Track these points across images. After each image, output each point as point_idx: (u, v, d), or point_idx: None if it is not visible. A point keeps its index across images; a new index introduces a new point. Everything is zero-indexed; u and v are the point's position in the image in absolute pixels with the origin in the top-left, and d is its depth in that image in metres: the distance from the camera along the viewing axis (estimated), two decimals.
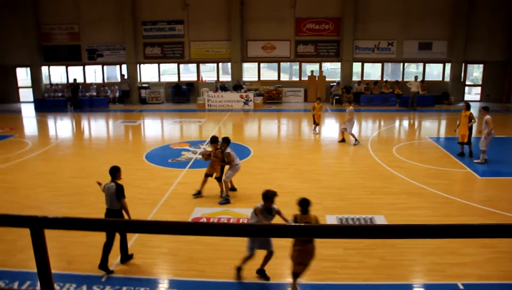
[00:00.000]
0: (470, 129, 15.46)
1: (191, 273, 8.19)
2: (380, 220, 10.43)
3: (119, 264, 8.44)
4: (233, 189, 12.46)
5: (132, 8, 27.00)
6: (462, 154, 15.83)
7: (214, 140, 12.16)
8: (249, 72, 30.69)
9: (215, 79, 28.88)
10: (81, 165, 15.19)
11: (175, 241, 9.03)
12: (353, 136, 17.71)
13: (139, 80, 28.34)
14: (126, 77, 27.59)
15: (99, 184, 8.89)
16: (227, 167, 12.10)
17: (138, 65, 28.23)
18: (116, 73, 29.46)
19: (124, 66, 28.15)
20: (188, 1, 26.63)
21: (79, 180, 13.49)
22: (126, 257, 8.55)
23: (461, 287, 7.82)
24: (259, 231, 2.45)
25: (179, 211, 10.96)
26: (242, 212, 10.86)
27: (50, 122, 23.78)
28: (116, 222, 2.39)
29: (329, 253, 8.71)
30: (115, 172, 8.54)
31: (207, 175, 12.03)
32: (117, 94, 27.80)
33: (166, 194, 12.09)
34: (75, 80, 26.73)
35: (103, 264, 8.18)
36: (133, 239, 9.22)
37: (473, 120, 15.28)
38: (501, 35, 27.26)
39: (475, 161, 15.17)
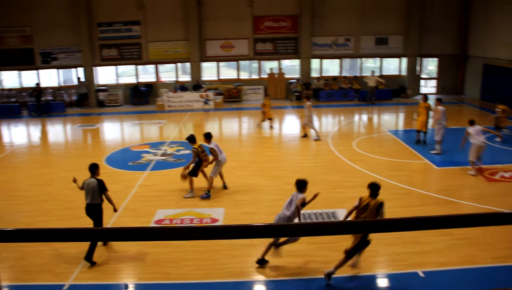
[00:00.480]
0: (427, 119, 16.50)
1: (156, 276, 8.13)
2: (342, 213, 10.59)
3: (83, 271, 8.27)
4: (225, 187, 12.65)
5: (87, 10, 26.41)
6: (419, 142, 16.76)
7: (191, 139, 12.32)
8: (208, 71, 30.55)
9: (174, 79, 28.60)
10: (39, 172, 14.78)
11: (139, 244, 8.92)
12: (315, 130, 17.95)
13: (96, 82, 27.79)
14: (82, 79, 26.97)
15: (75, 181, 9.02)
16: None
17: (95, 68, 27.68)
18: (72, 76, 28.75)
19: (80, 69, 27.54)
20: (144, 1, 26.32)
21: (38, 187, 13.15)
22: (91, 255, 8.52)
23: (422, 274, 8.06)
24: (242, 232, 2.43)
25: (142, 214, 10.84)
26: (205, 212, 10.84)
27: (4, 129, 23.04)
28: (76, 231, 2.34)
29: (293, 249, 8.78)
30: (94, 168, 9.02)
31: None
32: (74, 98, 27.15)
33: (127, 198, 11.92)
34: (38, 84, 25.99)
35: (89, 256, 8.42)
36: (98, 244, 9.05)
37: (431, 111, 16.28)
38: (454, 29, 28.08)
39: (432, 151, 15.63)
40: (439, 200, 11.49)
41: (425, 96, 16.93)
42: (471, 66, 27.86)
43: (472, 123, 13.66)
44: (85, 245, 8.72)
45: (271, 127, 20.02)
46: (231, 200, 11.63)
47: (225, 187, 12.59)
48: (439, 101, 15.97)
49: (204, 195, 11.86)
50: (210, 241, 8.86)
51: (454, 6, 27.73)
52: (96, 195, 8.72)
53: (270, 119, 19.86)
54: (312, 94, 26.22)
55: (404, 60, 28.57)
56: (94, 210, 8.80)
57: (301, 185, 8.76)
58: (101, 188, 8.79)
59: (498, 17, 24.69)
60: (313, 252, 8.73)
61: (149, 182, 13.14)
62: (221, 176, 12.63)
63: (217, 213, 10.73)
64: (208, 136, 12.39)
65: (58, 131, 22.21)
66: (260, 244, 8.97)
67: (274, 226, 2.62)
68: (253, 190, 12.39)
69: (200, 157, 11.96)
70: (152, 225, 10.04)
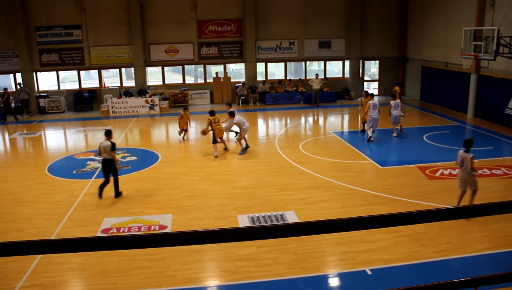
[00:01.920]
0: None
1: (102, 287, 7.90)
2: (290, 215, 10.70)
3: (24, 286, 7.93)
4: (247, 147, 16.61)
5: (23, 12, 25.44)
6: (363, 130, 19.26)
7: (213, 113, 16.44)
8: (154, 76, 30.16)
9: (119, 85, 28.04)
10: None
11: (83, 254, 8.65)
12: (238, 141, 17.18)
13: (36, 88, 26.81)
14: (23, 85, 25.87)
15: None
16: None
17: (34, 73, 26.70)
18: (10, 82, 27.55)
19: (18, 75, 26.49)
20: (85, 4, 25.67)
21: None
22: (118, 193, 12.21)
23: (369, 272, 8.24)
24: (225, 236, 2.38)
25: (87, 223, 10.52)
26: (153, 219, 10.66)
27: None
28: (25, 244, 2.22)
29: (242, 252, 8.79)
30: (109, 133, 12.31)
31: (216, 142, 16.13)
32: (13, 105, 25.99)
33: (72, 207, 11.56)
34: (5, 89, 24.77)
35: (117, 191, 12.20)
36: (37, 258, 8.70)
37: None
38: (393, 32, 29.10)
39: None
40: (384, 199, 11.82)
41: (366, 92, 19.42)
42: (410, 68, 28.93)
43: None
44: (27, 258, 8.41)
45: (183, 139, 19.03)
46: (179, 206, 11.51)
47: (247, 147, 16.63)
48: (366, 94, 19.11)
49: (241, 152, 16.40)
50: (157, 249, 8.72)
51: (392, 10, 28.76)
52: (108, 152, 11.80)
53: (185, 130, 18.99)
54: (258, 97, 26.46)
55: (347, 63, 29.27)
56: (110, 164, 11.85)
57: (469, 143, 10.53)
58: (113, 147, 11.91)
59: (433, 21, 25.77)
60: (263, 255, 8.75)
61: (94, 190, 12.76)
62: (245, 140, 16.60)
63: (165, 220, 10.58)
64: (231, 114, 16.59)
65: None
66: (207, 250, 8.93)
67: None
68: (201, 195, 12.31)
69: (212, 126, 15.53)
70: (99, 234, 9.77)
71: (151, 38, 27.08)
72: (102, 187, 11.96)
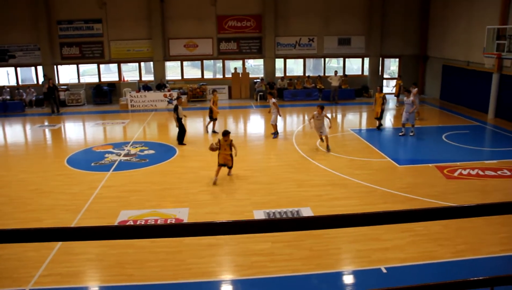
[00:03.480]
0: (383, 108, 19.32)
1: (119, 278, 7.99)
2: (306, 212, 10.68)
3: (43, 275, 8.06)
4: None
5: (46, 7, 25.79)
6: (378, 127, 19.55)
7: (226, 133, 13.21)
8: (172, 70, 30.32)
9: (138, 78, 28.26)
10: None
11: (101, 245, 8.76)
12: (274, 127, 18.35)
13: (57, 81, 27.16)
14: (47, 77, 26.15)
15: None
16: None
17: (55, 66, 27.05)
18: (31, 75, 27.97)
19: (39, 68, 26.86)
20: None
21: None
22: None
23: (384, 271, 8.19)
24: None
25: (105, 215, 10.64)
26: (169, 212, 10.73)
27: None
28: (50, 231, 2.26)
29: (257, 247, 8.81)
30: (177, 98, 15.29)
31: (221, 165, 12.97)
32: (33, 97, 26.40)
33: (90, 199, 11.69)
34: (50, 80, 25.14)
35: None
36: (56, 247, 8.83)
37: (385, 100, 19.40)
38: (414, 30, 28.79)
39: (400, 134, 18.25)
40: (401, 198, 11.73)
41: (380, 88, 20.10)
42: (431, 67, 28.60)
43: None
44: (46, 248, 8.56)
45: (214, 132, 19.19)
46: (196, 200, 11.56)
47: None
48: (407, 92, 18.61)
49: (274, 136, 17.88)
50: (175, 242, 8.80)
51: (413, 8, 28.42)
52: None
53: (215, 119, 19.15)
54: (276, 93, 26.46)
55: (367, 60, 29.05)
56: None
57: None
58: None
59: (455, 19, 25.40)
60: (278, 251, 8.76)
61: (112, 183, 12.92)
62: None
63: (181, 213, 10.65)
64: (272, 94, 18.85)
65: (17, 132, 21.56)
66: (223, 244, 8.98)
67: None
68: (217, 190, 12.35)
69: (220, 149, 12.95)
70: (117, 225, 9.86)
71: (170, 33, 27.23)
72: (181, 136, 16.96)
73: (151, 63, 27.88)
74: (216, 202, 11.51)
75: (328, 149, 15.82)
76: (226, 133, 13.03)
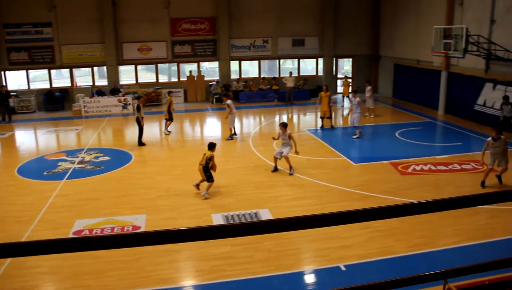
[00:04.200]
0: (330, 106, 19.78)
1: None
2: (265, 213, 10.71)
3: None
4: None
5: None
6: (327, 126, 19.92)
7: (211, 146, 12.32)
8: (126, 75, 29.82)
9: (91, 84, 27.62)
10: None
11: (55, 258, 8.48)
12: (231, 130, 18.52)
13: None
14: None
15: None
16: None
17: (3, 72, 26.09)
18: None
19: None
20: (55, 2, 25.19)
21: None
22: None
23: (343, 268, 8.30)
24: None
25: (59, 225, 10.33)
26: (126, 219, 10.53)
27: None
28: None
29: (216, 251, 8.76)
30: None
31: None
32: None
33: (43, 209, 11.32)
34: (3, 86, 24.03)
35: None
36: (6, 262, 8.50)
37: (331, 99, 19.70)
38: (366, 30, 29.44)
39: (353, 137, 17.92)
40: (358, 195, 11.93)
41: (327, 87, 20.23)
42: (383, 66, 29.28)
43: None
44: None
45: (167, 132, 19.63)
46: (153, 206, 11.40)
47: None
48: (355, 92, 18.77)
49: (230, 138, 17.82)
50: (132, 249, 8.63)
51: (365, 9, 29.07)
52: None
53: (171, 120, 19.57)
54: (232, 95, 26.48)
55: (321, 61, 29.44)
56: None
57: None
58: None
59: (404, 19, 26.11)
60: (237, 254, 8.74)
61: (66, 192, 12.57)
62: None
63: (138, 220, 10.47)
64: (227, 96, 19.09)
65: None
66: (181, 250, 8.88)
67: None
68: (176, 194, 12.22)
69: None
70: (71, 236, 9.60)
71: (124, 37, 26.77)
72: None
73: (105, 67, 27.32)
74: (174, 207, 11.37)
75: (291, 170, 13.84)
76: (211, 146, 12.27)
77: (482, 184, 12.46)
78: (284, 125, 14.15)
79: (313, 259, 8.85)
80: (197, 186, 12.24)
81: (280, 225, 2.40)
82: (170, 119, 19.50)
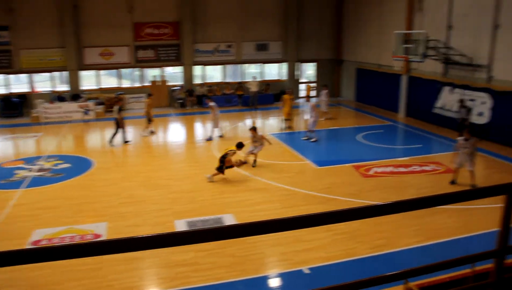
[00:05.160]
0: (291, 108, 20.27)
1: None
2: (228, 218, 10.67)
3: None
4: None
5: None
6: (289, 128, 20.39)
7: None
8: (88, 80, 29.25)
9: (51, 89, 26.96)
10: None
11: (10, 270, 8.18)
12: (213, 130, 19.27)
13: None
14: None
15: None
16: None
17: None
18: None
19: None
20: (13, 4, 24.51)
21: None
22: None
23: (307, 271, 8.34)
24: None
25: (15, 236, 10.00)
26: (87, 228, 10.30)
27: None
28: None
29: (180, 258, 8.67)
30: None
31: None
32: None
33: None
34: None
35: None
36: None
37: (293, 102, 20.25)
38: (328, 35, 29.81)
39: (311, 140, 18.09)
40: (321, 199, 12.03)
41: (292, 91, 20.78)
42: (346, 70, 29.71)
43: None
44: None
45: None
46: (116, 213, 11.20)
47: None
48: (309, 97, 18.96)
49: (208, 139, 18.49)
50: (94, 258, 8.44)
51: (327, 13, 29.47)
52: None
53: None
54: (196, 100, 26.43)
55: (284, 65, 29.64)
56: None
57: None
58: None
59: (366, 24, 26.58)
60: (201, 260, 8.66)
61: (24, 201, 12.20)
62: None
63: (99, 228, 10.26)
64: (209, 98, 20.35)
65: None
66: (144, 257, 8.75)
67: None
68: (139, 201, 12.05)
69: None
70: (28, 247, 9.32)
71: (85, 41, 26.26)
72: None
73: (65, 72, 26.73)
74: (137, 214, 11.21)
75: (254, 163, 15.09)
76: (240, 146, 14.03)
77: (453, 182, 12.96)
78: (254, 129, 15.23)
79: (277, 263, 8.86)
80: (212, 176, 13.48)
81: (246, 230, 2.39)
82: (149, 120, 20.13)
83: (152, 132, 20.32)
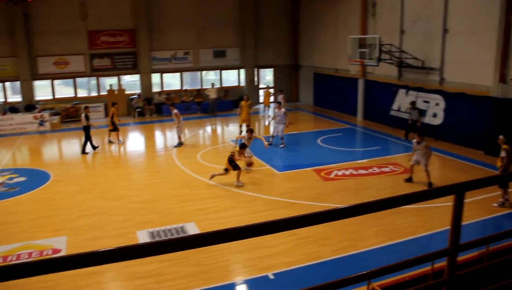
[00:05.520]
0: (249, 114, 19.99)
1: None
2: (191, 227, 10.58)
3: None
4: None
5: None
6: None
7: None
8: (43, 90, 28.47)
9: (3, 100, 26.10)
10: None
11: None
12: (179, 137, 19.12)
13: None
14: None
15: None
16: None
17: None
18: None
19: None
20: None
21: None
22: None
23: (272, 277, 8.35)
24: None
25: None
26: (45, 243, 9.99)
27: None
28: None
29: (143, 269, 8.50)
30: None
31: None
32: None
33: None
34: None
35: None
36: None
37: (251, 108, 20.04)
38: (285, 40, 30.15)
39: (280, 146, 18.13)
40: (283, 203, 12.09)
41: (248, 97, 20.47)
42: (303, 75, 30.06)
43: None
44: None
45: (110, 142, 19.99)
46: (75, 227, 10.90)
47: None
48: (279, 104, 18.77)
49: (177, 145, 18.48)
50: (49, 275, 8.18)
51: (283, 19, 29.84)
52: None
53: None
54: (155, 109, 26.13)
55: (242, 71, 29.73)
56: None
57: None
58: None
59: (322, 30, 26.99)
60: (165, 270, 8.54)
61: None
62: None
63: (59, 243, 9.96)
64: (174, 105, 19.72)
65: None
66: (105, 270, 8.55)
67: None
68: (98, 213, 11.78)
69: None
70: None
71: (38, 50, 25.55)
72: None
73: (18, 82, 25.92)
74: (97, 226, 10.95)
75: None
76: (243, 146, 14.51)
77: (408, 180, 13.47)
78: (251, 131, 15.89)
79: (241, 270, 8.84)
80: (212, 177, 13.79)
81: (209, 239, 2.37)
82: (115, 129, 19.85)
83: (117, 142, 20.01)
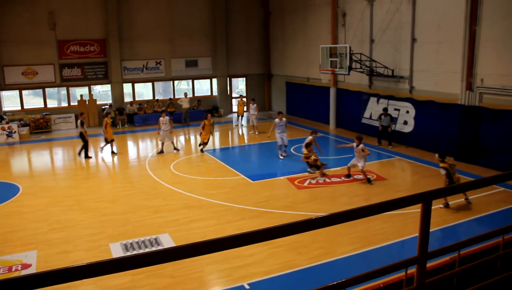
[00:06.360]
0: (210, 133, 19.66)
1: None
2: (165, 238, 10.47)
3: None
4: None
5: None
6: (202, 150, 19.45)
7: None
8: (10, 100, 27.89)
9: None
10: None
11: None
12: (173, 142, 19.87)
13: None
14: None
15: None
16: None
17: None
18: None
19: None
20: None
21: None
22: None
23: (247, 287, 8.31)
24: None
25: None
26: (14, 258, 9.73)
27: None
28: None
29: (115, 282, 8.36)
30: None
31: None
32: None
33: None
34: None
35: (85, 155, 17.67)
36: None
37: (213, 127, 19.71)
38: (256, 50, 30.31)
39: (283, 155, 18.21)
40: (257, 212, 12.08)
41: (209, 115, 19.97)
42: (275, 84, 30.22)
43: None
44: None
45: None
46: (45, 240, 10.66)
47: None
48: (280, 113, 19.09)
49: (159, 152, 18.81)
50: None
51: (255, 29, 30.04)
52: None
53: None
54: (127, 119, 25.83)
55: (215, 81, 29.73)
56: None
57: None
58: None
59: (293, 39, 27.24)
60: (138, 283, 8.42)
61: None
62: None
63: (28, 257, 9.71)
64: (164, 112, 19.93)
65: None
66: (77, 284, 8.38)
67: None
68: (70, 226, 11.55)
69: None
70: None
71: (5, 59, 25.01)
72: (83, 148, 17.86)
73: None
74: (68, 239, 10.73)
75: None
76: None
77: (347, 176, 14.87)
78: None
79: (216, 280, 8.78)
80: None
81: (184, 252, 2.35)
82: (110, 140, 19.49)
83: (99, 150, 20.08)
